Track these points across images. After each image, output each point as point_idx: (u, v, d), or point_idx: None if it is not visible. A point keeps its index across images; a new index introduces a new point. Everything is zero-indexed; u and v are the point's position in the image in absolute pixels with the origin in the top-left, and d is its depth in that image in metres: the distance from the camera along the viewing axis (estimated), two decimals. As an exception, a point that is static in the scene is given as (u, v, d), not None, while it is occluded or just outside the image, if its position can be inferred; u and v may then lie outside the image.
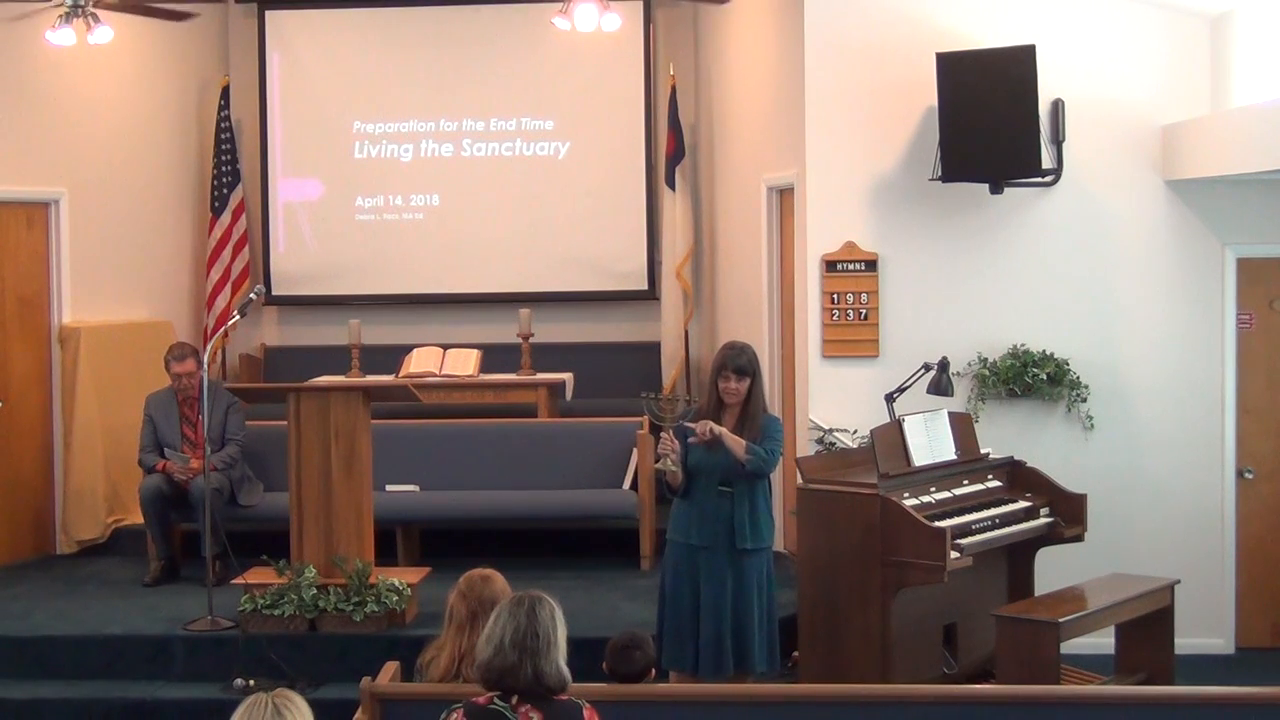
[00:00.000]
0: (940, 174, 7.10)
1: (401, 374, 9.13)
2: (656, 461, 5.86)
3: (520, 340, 9.26)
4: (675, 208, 9.99)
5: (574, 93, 10.38)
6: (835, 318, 7.37)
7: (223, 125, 10.11)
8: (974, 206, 7.34)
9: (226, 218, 10.08)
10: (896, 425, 6.43)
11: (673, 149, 9.99)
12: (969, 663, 6.51)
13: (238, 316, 7.38)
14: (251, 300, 7.34)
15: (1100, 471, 7.25)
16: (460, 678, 4.59)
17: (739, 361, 5.79)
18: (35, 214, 8.51)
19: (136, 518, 8.16)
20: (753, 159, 8.78)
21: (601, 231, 10.40)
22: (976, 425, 6.91)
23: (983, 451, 6.78)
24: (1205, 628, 7.36)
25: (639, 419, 8.19)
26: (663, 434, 5.84)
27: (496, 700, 3.77)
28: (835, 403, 7.33)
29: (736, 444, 5.73)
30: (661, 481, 6.01)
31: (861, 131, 7.35)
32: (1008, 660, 5.95)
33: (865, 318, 7.37)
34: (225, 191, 10.09)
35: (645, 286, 10.42)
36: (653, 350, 10.18)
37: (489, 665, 3.78)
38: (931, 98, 7.09)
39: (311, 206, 10.52)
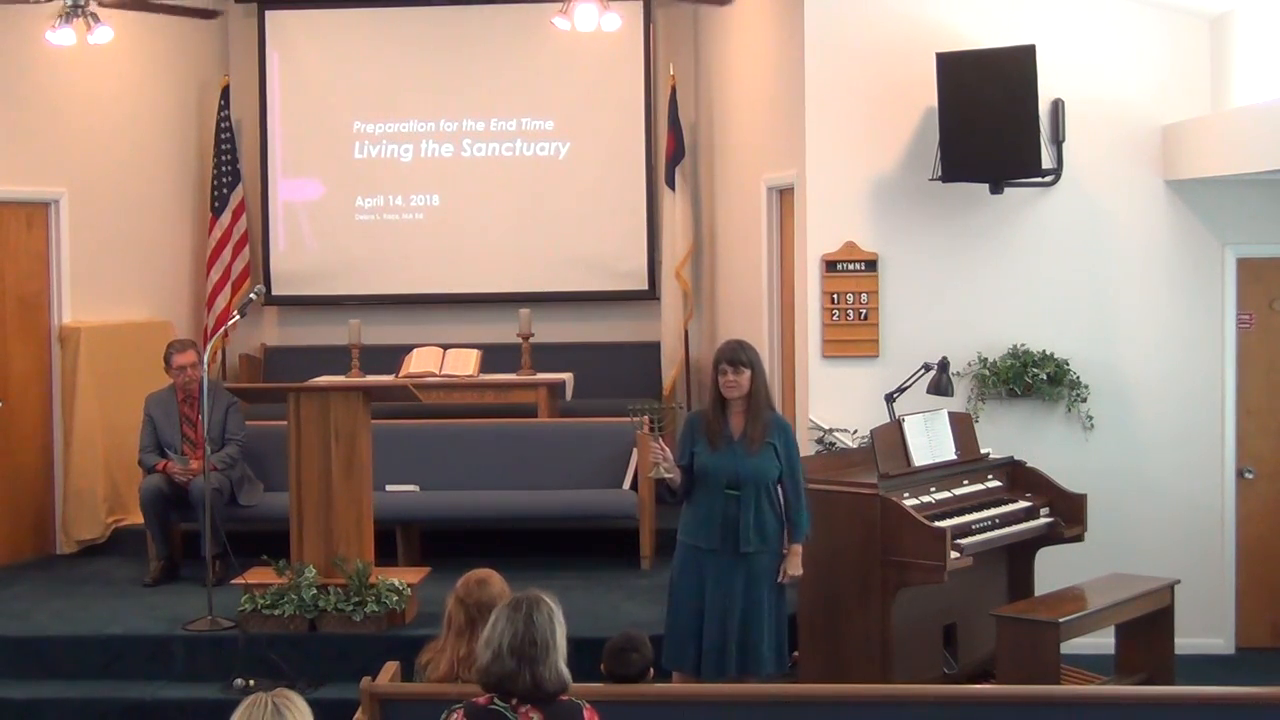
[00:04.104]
0: (940, 174, 7.10)
1: (401, 374, 9.13)
2: (651, 471, 5.85)
3: (520, 340, 9.26)
4: (675, 208, 9.99)
5: (574, 93, 10.38)
6: (835, 318, 7.37)
7: (223, 125, 10.11)
8: (974, 206, 7.34)
9: (226, 218, 10.08)
10: (896, 425, 6.43)
11: (673, 149, 9.99)
12: (969, 663, 6.51)
13: (238, 316, 7.39)
14: (251, 300, 7.33)
15: (1100, 471, 7.25)
16: (459, 682, 4.59)
17: (736, 355, 5.76)
18: (35, 214, 8.51)
19: (136, 518, 8.16)
20: (753, 159, 8.79)
21: (601, 231, 10.40)
22: (976, 425, 6.91)
23: (983, 451, 6.78)
24: (1205, 628, 7.36)
25: (638, 420, 8.19)
26: (652, 443, 5.82)
27: (496, 700, 3.76)
28: (835, 403, 7.33)
29: (796, 556, 5.80)
30: (662, 485, 6.00)
31: (861, 131, 7.35)
32: (1008, 660, 5.95)
33: (865, 318, 7.37)
34: (225, 191, 10.09)
35: (645, 286, 10.42)
36: (653, 350, 10.18)
37: (487, 671, 3.77)
38: (931, 98, 7.09)
39: (311, 206, 10.52)
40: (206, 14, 9.07)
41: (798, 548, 5.81)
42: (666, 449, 5.73)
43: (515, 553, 7.92)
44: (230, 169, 10.13)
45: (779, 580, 5.77)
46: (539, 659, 3.74)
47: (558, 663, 3.78)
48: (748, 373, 5.75)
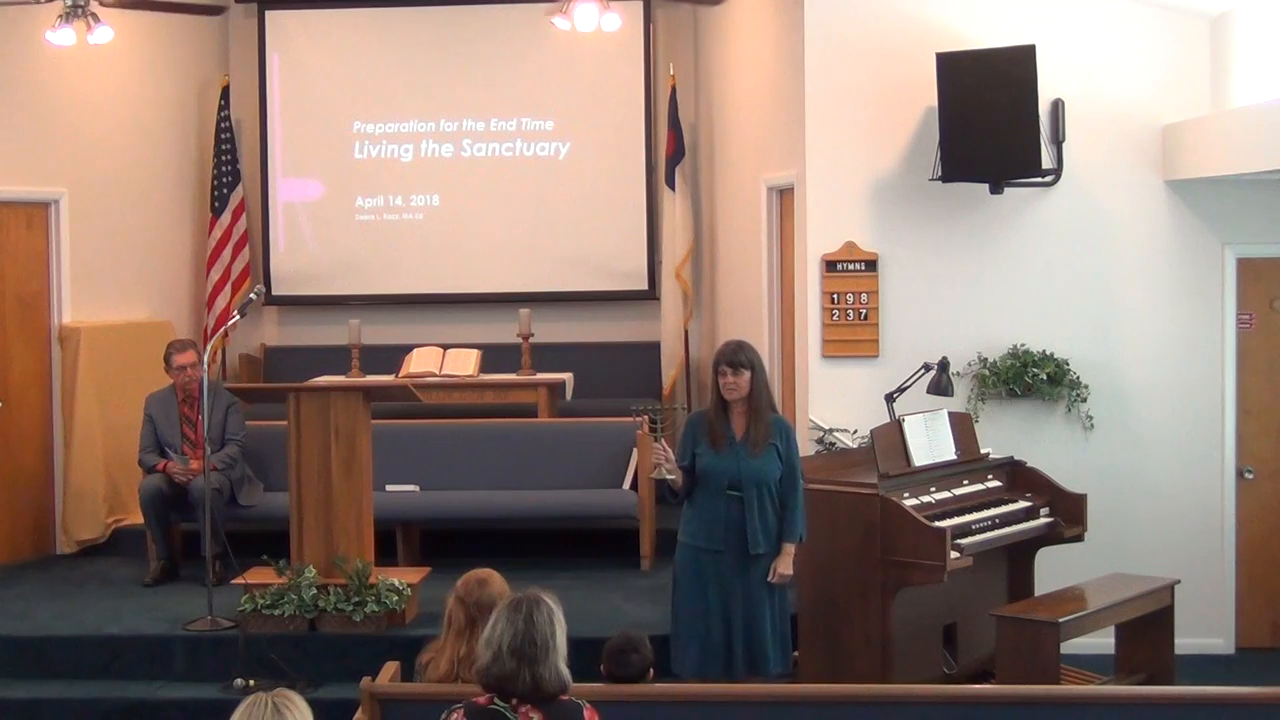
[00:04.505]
0: (940, 174, 7.10)
1: (401, 374, 9.13)
2: (652, 472, 5.84)
3: (520, 340, 9.27)
4: (675, 208, 9.99)
5: (574, 93, 10.38)
6: (835, 318, 7.37)
7: (223, 125, 10.11)
8: (974, 206, 7.34)
9: (226, 218, 10.07)
10: (896, 425, 6.43)
11: (673, 149, 9.99)
12: (969, 663, 6.51)
13: (238, 317, 7.38)
14: (251, 300, 7.34)
15: (1100, 471, 7.25)
16: (459, 681, 4.59)
17: (735, 356, 5.75)
18: (35, 214, 8.51)
19: (136, 518, 8.16)
20: (753, 159, 8.79)
21: (601, 231, 10.40)
22: (976, 425, 6.91)
23: (983, 451, 6.78)
24: (1205, 628, 7.36)
25: (639, 419, 8.19)
26: (654, 444, 5.82)
27: (496, 701, 3.76)
28: (835, 403, 7.33)
29: (788, 556, 5.79)
30: (662, 486, 5.99)
31: (861, 131, 7.35)
32: (1008, 660, 5.95)
33: (865, 318, 7.37)
34: (225, 191, 10.09)
35: (645, 286, 10.42)
36: (653, 350, 10.18)
37: (487, 671, 3.77)
38: (931, 98, 7.09)
39: (311, 206, 10.52)
40: (211, 10, 9.06)
41: (790, 547, 5.81)
42: (669, 450, 5.72)
43: (515, 553, 7.92)
44: (230, 169, 10.13)
45: (768, 579, 5.77)
46: (539, 659, 3.74)
47: (558, 663, 3.78)
48: (747, 374, 5.74)
